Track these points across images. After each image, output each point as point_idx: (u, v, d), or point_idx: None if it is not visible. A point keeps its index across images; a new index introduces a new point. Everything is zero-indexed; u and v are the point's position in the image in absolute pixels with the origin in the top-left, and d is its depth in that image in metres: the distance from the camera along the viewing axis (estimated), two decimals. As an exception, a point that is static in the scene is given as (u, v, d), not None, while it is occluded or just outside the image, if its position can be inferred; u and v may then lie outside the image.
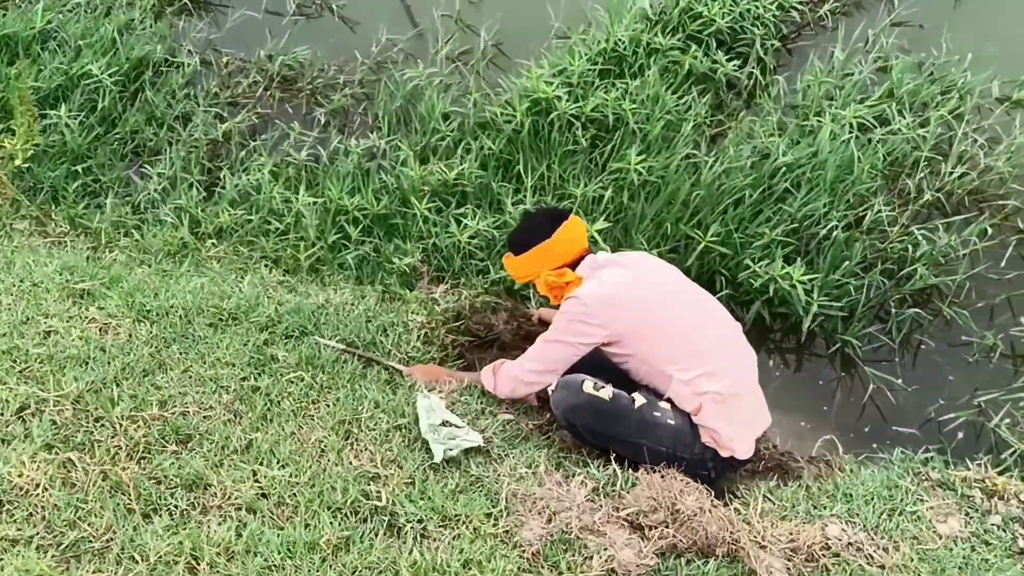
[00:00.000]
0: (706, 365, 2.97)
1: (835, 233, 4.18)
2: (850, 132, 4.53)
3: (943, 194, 4.45)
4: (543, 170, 4.59)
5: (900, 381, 3.96)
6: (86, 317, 3.46)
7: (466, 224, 4.25)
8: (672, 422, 2.97)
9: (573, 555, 2.63)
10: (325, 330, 3.57)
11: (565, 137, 4.66)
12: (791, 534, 2.75)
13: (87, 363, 3.22)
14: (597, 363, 3.15)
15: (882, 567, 2.74)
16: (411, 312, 3.82)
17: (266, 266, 4.15)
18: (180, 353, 3.34)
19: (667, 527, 2.71)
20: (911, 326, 4.11)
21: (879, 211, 4.32)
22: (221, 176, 4.78)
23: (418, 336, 3.69)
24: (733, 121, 4.91)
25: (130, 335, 3.40)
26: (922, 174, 4.50)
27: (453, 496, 2.81)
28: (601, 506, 2.80)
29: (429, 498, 2.79)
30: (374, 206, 4.41)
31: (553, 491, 2.84)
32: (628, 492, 2.83)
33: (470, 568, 2.54)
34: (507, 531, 2.70)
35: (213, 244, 4.24)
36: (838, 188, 4.38)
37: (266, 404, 3.14)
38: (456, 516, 2.73)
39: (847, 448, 3.70)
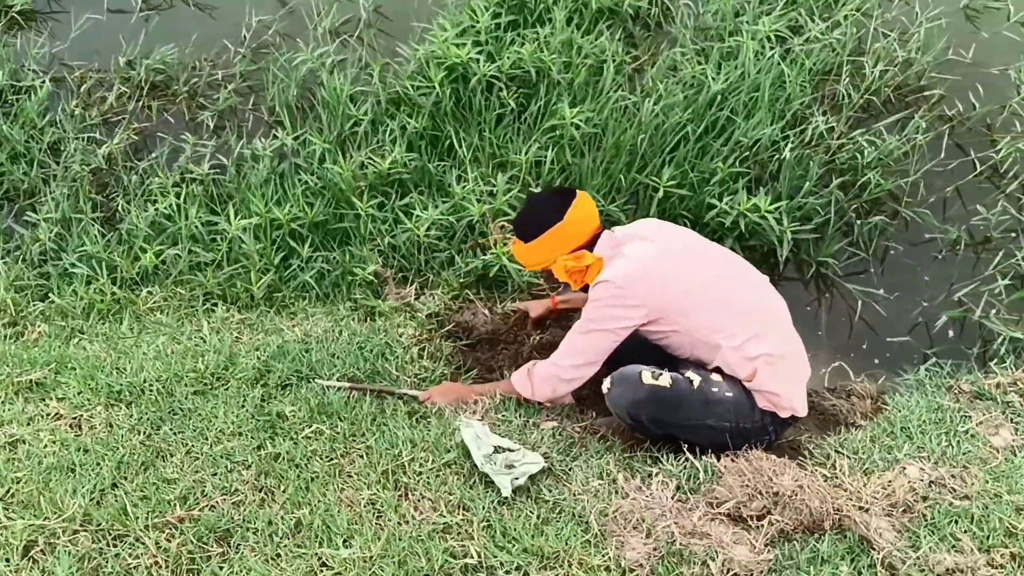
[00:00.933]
0: (752, 327, 2.86)
1: (787, 154, 4.13)
2: (770, 47, 4.45)
3: (873, 96, 4.45)
4: (476, 140, 4.32)
5: (882, 291, 3.99)
6: (49, 414, 3.04)
7: (418, 216, 3.95)
8: (730, 394, 2.86)
9: (688, 566, 2.50)
10: (320, 369, 3.26)
11: (490, 101, 4.39)
12: (884, 488, 2.71)
13: (74, 471, 2.82)
14: (632, 345, 2.99)
15: (966, 498, 2.75)
16: (398, 327, 3.54)
17: (214, 305, 3.75)
18: (175, 434, 2.97)
19: (771, 513, 2.62)
20: (877, 235, 4.13)
21: (817, 125, 4.29)
22: (118, 208, 4.28)
23: (419, 352, 3.43)
24: (647, 55, 4.76)
25: (109, 425, 3.00)
26: (847, 79, 4.49)
27: (540, 531, 2.62)
28: (695, 505, 2.68)
29: (516, 539, 2.59)
30: (308, 214, 4.04)
31: (639, 500, 2.69)
32: (717, 484, 2.72)
33: (602, 612, 2.38)
34: (611, 557, 2.54)
35: (149, 293, 3.78)
36: (776, 108, 4.31)
37: (294, 471, 2.83)
38: (555, 554, 2.54)
39: (854, 370, 3.72)
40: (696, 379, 2.85)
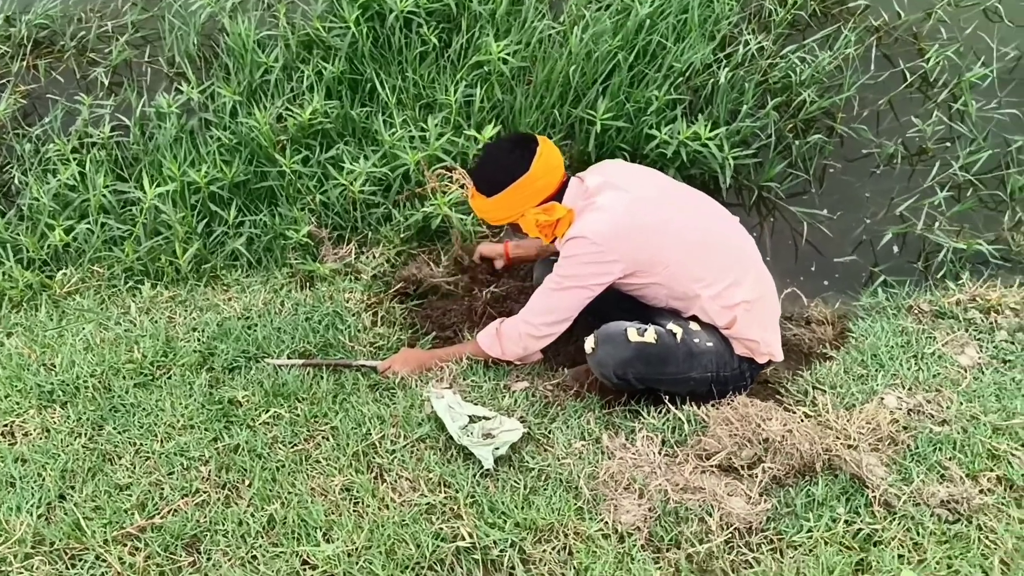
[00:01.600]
0: (730, 275, 2.77)
1: (721, 77, 4.01)
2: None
3: (800, 11, 4.35)
4: (399, 82, 4.07)
5: (825, 211, 3.96)
6: (-27, 425, 2.77)
7: (349, 169, 3.71)
8: (711, 344, 2.78)
9: (687, 524, 2.43)
10: (268, 347, 3.06)
11: (410, 39, 4.14)
12: (868, 423, 2.68)
13: (14, 486, 2.58)
14: (604, 296, 2.87)
15: (945, 423, 2.75)
16: (344, 292, 3.34)
17: (138, 283, 3.47)
18: (120, 433, 2.75)
19: (762, 461, 2.56)
20: (816, 154, 4.08)
21: (748, 44, 4.18)
22: (13, 181, 3.92)
23: (371, 319, 3.24)
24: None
25: (45, 430, 2.76)
26: (771, -9, 4.39)
27: (529, 503, 2.51)
28: (685, 458, 2.60)
29: (506, 514, 2.47)
30: (227, 174, 3.76)
31: (626, 458, 2.60)
32: (704, 435, 2.65)
33: (609, 585, 2.30)
34: (607, 523, 2.45)
35: (64, 275, 3.48)
36: (706, 30, 4.18)
37: (257, 462, 2.65)
38: (548, 526, 2.44)
39: (806, 294, 3.70)
40: (678, 331, 2.76)
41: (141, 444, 2.71)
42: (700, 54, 4.06)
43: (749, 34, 4.24)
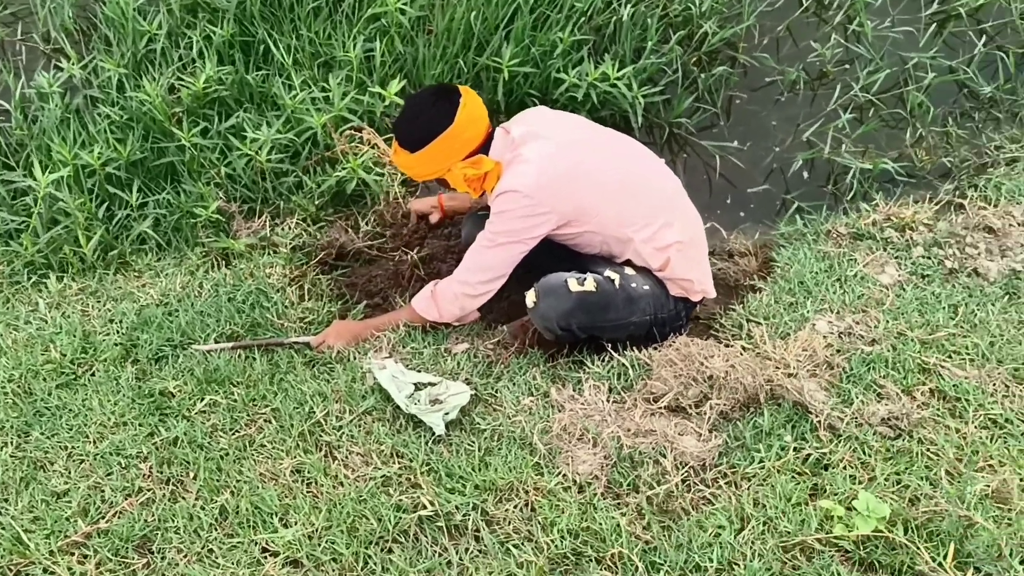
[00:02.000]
0: (661, 216, 2.77)
1: (624, 14, 3.98)
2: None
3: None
4: (293, 41, 3.92)
5: (735, 143, 4.00)
6: None
7: (253, 138, 3.56)
8: (647, 287, 2.79)
9: (643, 467, 2.45)
10: (193, 332, 2.94)
11: (301, -6, 3.98)
12: (804, 350, 2.74)
13: (-60, 506, 2.43)
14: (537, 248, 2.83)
15: (875, 342, 2.83)
16: (264, 267, 3.22)
17: (43, 277, 3.29)
18: (49, 438, 2.62)
19: (708, 398, 2.60)
20: (722, 86, 4.10)
21: (646, -23, 4.16)
22: None
23: (296, 294, 3.14)
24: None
25: (-34, 442, 2.60)
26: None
27: (485, 464, 2.49)
28: (634, 403, 2.61)
29: (464, 478, 2.45)
30: (122, 153, 3.56)
31: (576, 409, 2.60)
32: (649, 379, 2.66)
33: (580, 537, 2.30)
34: (566, 476, 2.45)
35: (-41, 274, 3.27)
36: (604, -35, 4.14)
37: (199, 453, 2.56)
38: (508, 485, 2.43)
39: (724, 227, 3.74)
40: (616, 277, 2.75)
41: (73, 447, 2.58)
42: (600, -5, 4.02)
43: (645, -31, 4.21)
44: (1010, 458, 2.47)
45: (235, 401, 2.71)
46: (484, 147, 2.78)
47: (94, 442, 2.59)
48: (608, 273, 2.77)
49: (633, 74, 3.89)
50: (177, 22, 3.98)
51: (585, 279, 2.72)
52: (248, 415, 2.67)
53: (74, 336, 2.91)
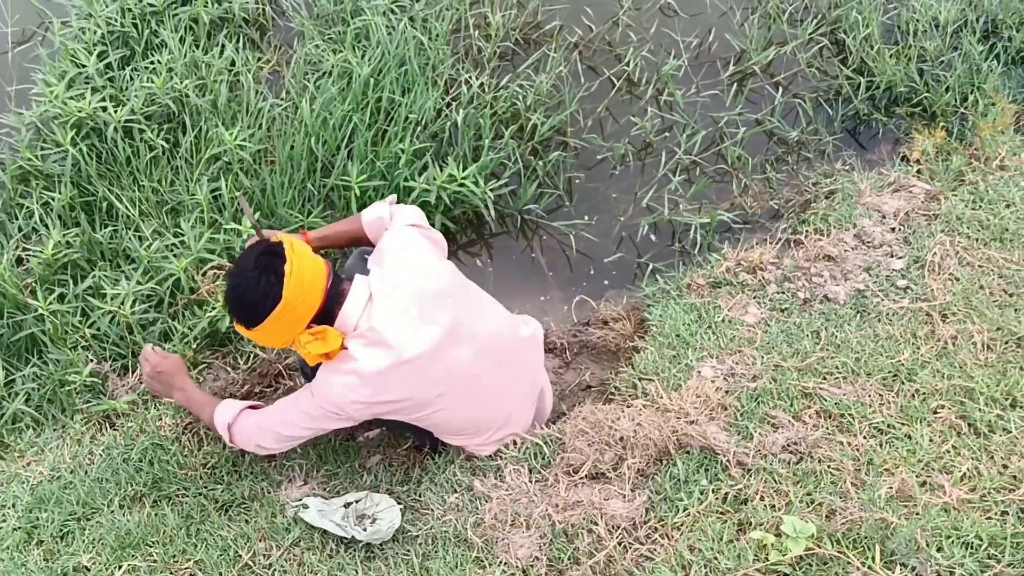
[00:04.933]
0: (504, 412, 2.83)
1: (457, 119, 4.17)
2: (397, 19, 4.44)
3: (505, 42, 4.60)
4: (136, 193, 3.89)
5: (585, 218, 4.21)
6: None
7: (114, 294, 3.49)
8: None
9: (578, 539, 2.52)
10: (95, 503, 2.82)
11: (136, 147, 3.97)
12: (697, 396, 2.90)
13: None
14: None
15: (755, 377, 3.03)
16: (153, 421, 3.14)
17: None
18: None
19: (624, 459, 2.70)
20: (560, 169, 4.33)
21: (470, 82, 4.38)
22: None
23: (196, 441, 3.06)
24: (277, 56, 4.56)
25: None
26: (476, 31, 4.61)
27: (426, 570, 2.50)
28: (556, 479, 2.69)
29: (411, 588, 2.46)
30: (-24, 334, 3.42)
31: (503, 496, 2.66)
32: (565, 451, 2.75)
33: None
34: (507, 563, 2.49)
35: None
36: (428, 77, 4.33)
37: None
38: (456, 585, 2.45)
39: (593, 297, 3.92)
40: None
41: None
42: (431, 100, 4.20)
43: (466, 73, 4.44)
44: (901, 459, 2.68)
45: (155, 562, 2.61)
46: (328, 305, 2.51)
47: (11, 638, 2.44)
48: None
49: (477, 171, 4.06)
50: (11, 194, 3.88)
51: None
52: (172, 573, 2.58)
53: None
